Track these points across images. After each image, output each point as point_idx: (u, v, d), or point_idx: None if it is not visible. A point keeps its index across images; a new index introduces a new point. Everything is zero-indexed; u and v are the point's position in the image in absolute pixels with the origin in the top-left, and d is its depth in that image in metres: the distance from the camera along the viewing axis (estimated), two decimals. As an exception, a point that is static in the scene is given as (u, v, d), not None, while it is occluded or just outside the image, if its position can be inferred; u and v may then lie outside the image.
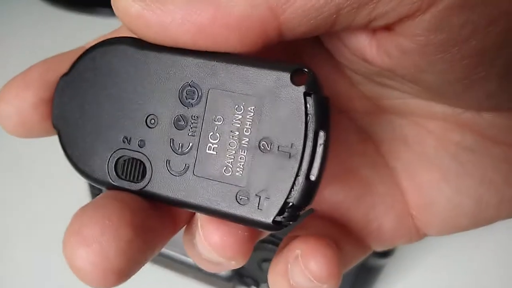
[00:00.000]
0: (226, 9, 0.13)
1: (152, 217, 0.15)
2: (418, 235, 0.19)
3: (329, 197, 0.18)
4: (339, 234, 0.18)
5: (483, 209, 0.18)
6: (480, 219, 0.18)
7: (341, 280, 0.16)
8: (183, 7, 0.13)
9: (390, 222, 0.18)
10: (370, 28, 0.13)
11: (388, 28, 0.13)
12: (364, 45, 0.14)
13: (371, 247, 0.19)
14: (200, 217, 0.15)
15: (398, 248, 0.35)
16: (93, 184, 0.15)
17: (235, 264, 0.15)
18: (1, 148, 0.45)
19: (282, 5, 0.13)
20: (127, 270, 0.13)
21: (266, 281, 0.35)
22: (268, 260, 0.32)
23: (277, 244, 0.30)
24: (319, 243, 0.16)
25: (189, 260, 0.35)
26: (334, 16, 0.13)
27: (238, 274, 0.35)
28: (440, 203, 0.18)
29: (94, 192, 0.34)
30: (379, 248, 0.19)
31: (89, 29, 0.55)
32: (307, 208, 0.14)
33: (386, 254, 0.31)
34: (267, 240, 0.31)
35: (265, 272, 0.34)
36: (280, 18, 0.13)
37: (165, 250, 0.35)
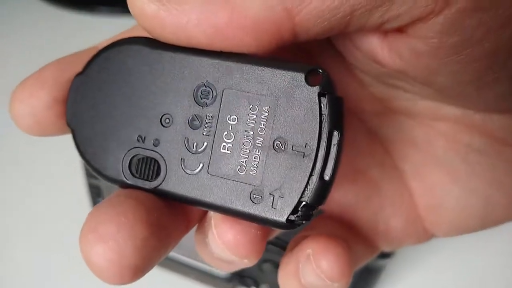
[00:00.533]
0: (241, 10, 0.13)
1: (166, 215, 0.15)
2: (426, 236, 0.19)
3: (338, 197, 0.18)
4: (348, 234, 0.18)
5: (492, 211, 0.18)
6: (488, 221, 0.18)
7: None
8: (199, 8, 0.13)
9: (398, 223, 0.18)
10: (383, 30, 0.14)
11: (400, 30, 0.13)
12: (376, 46, 0.14)
13: (379, 248, 0.19)
14: (213, 215, 0.15)
15: (399, 249, 0.35)
16: (107, 182, 0.16)
17: (248, 263, 0.16)
18: (1, 148, 0.45)
19: (297, 6, 0.13)
20: (142, 267, 0.13)
21: (266, 281, 0.35)
22: (268, 261, 0.32)
23: (278, 245, 0.30)
24: (331, 242, 0.16)
25: (189, 260, 0.35)
26: (348, 17, 0.13)
27: (238, 275, 0.35)
28: (449, 204, 0.18)
29: (93, 191, 0.34)
30: (387, 249, 0.19)
31: (89, 29, 0.55)
32: (320, 207, 0.14)
33: (387, 254, 0.31)
34: (267, 241, 0.31)
35: (265, 273, 0.34)
36: (295, 20, 0.13)
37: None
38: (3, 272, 0.38)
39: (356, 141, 0.18)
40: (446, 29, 0.13)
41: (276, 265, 0.33)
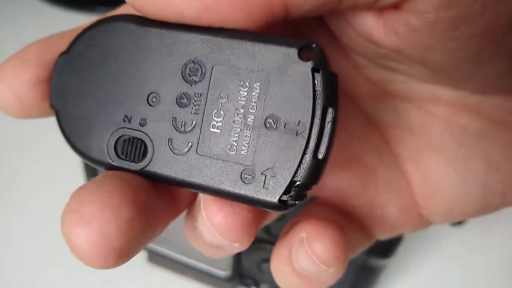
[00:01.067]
0: None
1: (153, 196, 0.14)
2: (422, 223, 0.19)
3: (332, 183, 0.18)
4: (343, 221, 0.17)
5: (490, 195, 0.17)
6: (486, 206, 0.18)
7: (341, 280, 0.16)
8: None
9: (394, 210, 0.18)
10: (377, 6, 0.13)
11: (395, 6, 0.13)
12: (371, 25, 0.14)
13: (375, 235, 0.19)
14: (203, 197, 0.15)
15: (399, 249, 0.35)
16: (92, 164, 0.15)
17: (238, 247, 0.15)
18: (1, 148, 0.45)
19: None
20: (127, 250, 0.13)
21: (266, 281, 0.35)
22: (268, 260, 0.32)
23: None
24: (326, 226, 0.15)
25: (189, 260, 0.35)
26: None
27: (238, 275, 0.35)
28: (446, 189, 0.18)
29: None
30: (383, 236, 0.19)
31: (89, 29, 0.55)
32: (312, 190, 0.14)
33: (387, 254, 0.31)
34: (267, 240, 0.31)
35: (265, 273, 0.34)
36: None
37: (165, 250, 0.35)
38: (3, 272, 0.38)
39: (351, 126, 0.18)
40: (443, 3, 0.12)
41: (276, 265, 0.32)
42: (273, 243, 0.30)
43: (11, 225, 0.40)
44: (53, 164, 0.43)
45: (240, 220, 0.14)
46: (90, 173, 0.33)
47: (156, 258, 0.36)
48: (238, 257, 0.34)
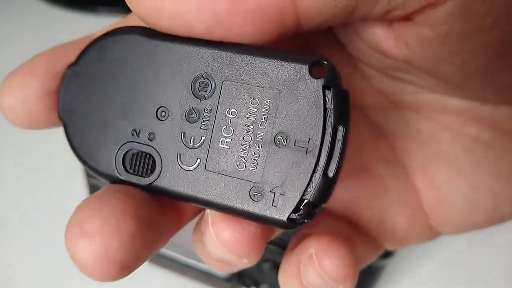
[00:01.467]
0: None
1: (156, 210, 0.14)
2: (432, 234, 0.18)
3: (342, 194, 0.18)
4: (352, 232, 0.17)
5: (499, 205, 0.17)
6: (495, 216, 0.18)
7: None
8: None
9: (404, 221, 0.18)
10: (388, 18, 0.13)
11: (407, 18, 0.13)
12: (381, 36, 0.14)
13: (383, 246, 0.19)
14: (210, 213, 0.15)
15: (399, 249, 0.35)
16: (100, 178, 0.15)
17: (247, 263, 0.15)
18: (1, 148, 0.45)
19: None
20: (130, 263, 0.13)
21: (266, 281, 0.35)
22: (268, 260, 0.32)
23: (278, 245, 0.30)
24: (334, 241, 0.15)
25: (189, 260, 0.35)
26: (353, 5, 0.12)
27: (238, 275, 0.35)
28: (456, 199, 0.18)
29: (93, 191, 0.34)
30: (392, 247, 0.19)
31: (89, 29, 0.55)
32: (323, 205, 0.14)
33: (387, 254, 0.31)
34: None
35: (265, 273, 0.34)
36: (298, 7, 0.12)
37: (165, 250, 0.35)
38: (3, 272, 0.38)
39: (360, 136, 0.18)
40: (455, 15, 0.12)
41: (276, 265, 0.32)
42: (273, 243, 0.31)
43: (10, 225, 0.40)
44: (53, 164, 0.43)
45: (248, 236, 0.14)
46: (90, 172, 0.32)
47: (156, 258, 0.36)
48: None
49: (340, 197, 0.18)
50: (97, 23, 0.56)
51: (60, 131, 0.16)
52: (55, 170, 0.43)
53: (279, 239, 0.30)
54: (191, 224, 0.17)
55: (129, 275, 0.14)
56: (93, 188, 0.34)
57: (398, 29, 0.13)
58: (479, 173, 0.17)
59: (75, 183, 0.38)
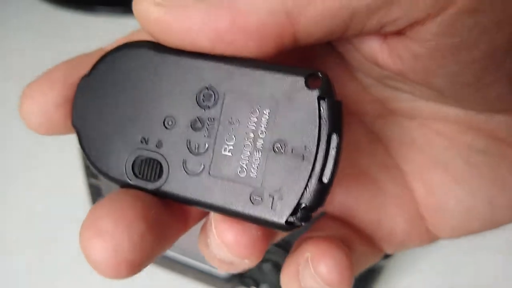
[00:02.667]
0: (244, 16, 0.13)
1: (164, 212, 0.15)
2: (429, 238, 0.19)
3: (341, 199, 0.18)
4: (352, 236, 0.18)
5: (496, 211, 0.18)
6: (492, 221, 0.18)
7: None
8: (203, 12, 0.13)
9: (402, 224, 0.18)
10: (382, 33, 0.14)
11: (399, 32, 0.14)
12: (376, 49, 0.15)
13: (383, 250, 0.19)
14: (213, 216, 0.15)
15: (399, 249, 0.35)
16: (111, 182, 0.16)
17: (249, 263, 0.16)
18: (1, 148, 0.45)
19: (299, 11, 0.13)
20: (139, 262, 0.14)
21: (266, 281, 0.35)
22: (268, 261, 0.32)
23: (278, 245, 0.30)
24: (330, 245, 0.16)
25: (189, 260, 0.35)
26: (348, 21, 0.13)
27: (238, 275, 0.35)
28: (452, 205, 0.18)
29: (93, 191, 0.34)
30: (391, 251, 0.19)
31: (89, 29, 0.55)
32: (320, 209, 0.14)
33: (386, 255, 0.31)
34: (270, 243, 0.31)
35: (265, 273, 0.34)
36: (296, 24, 0.13)
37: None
38: (3, 272, 0.38)
39: (358, 143, 0.18)
40: (442, 31, 0.13)
41: (276, 265, 0.33)
42: (274, 243, 0.31)
43: (9, 224, 0.40)
44: (53, 164, 0.43)
45: (250, 238, 0.15)
46: (90, 173, 0.33)
47: (156, 258, 0.36)
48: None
49: (340, 201, 0.18)
50: (97, 23, 0.57)
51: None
52: (55, 170, 0.43)
53: (280, 241, 0.30)
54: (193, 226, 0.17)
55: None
56: (93, 188, 0.34)
57: (392, 43, 0.14)
58: (475, 180, 0.18)
59: (75, 183, 0.38)
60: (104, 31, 0.54)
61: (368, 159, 0.19)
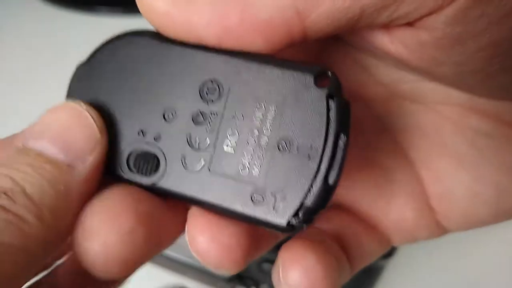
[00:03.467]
0: (253, 12, 0.13)
1: (159, 208, 0.14)
2: (438, 229, 0.18)
3: (348, 188, 0.18)
4: (359, 226, 0.17)
5: (503, 197, 0.17)
6: (500, 210, 0.18)
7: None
8: (209, 7, 0.13)
9: (410, 213, 0.18)
10: (391, 26, 0.14)
11: (407, 24, 0.13)
12: (382, 38, 0.14)
13: (390, 241, 0.19)
14: (190, 215, 0.15)
15: (399, 249, 0.35)
16: (104, 176, 0.15)
17: (225, 271, 0.15)
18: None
19: (309, 9, 0.13)
20: (131, 258, 0.13)
21: (266, 281, 0.35)
22: (268, 260, 0.32)
23: (278, 245, 0.30)
24: (302, 252, 0.15)
25: (189, 260, 0.35)
26: (357, 17, 0.13)
27: (238, 275, 0.35)
28: (459, 192, 0.18)
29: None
30: (399, 242, 0.19)
31: (89, 29, 0.55)
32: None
33: (387, 254, 0.31)
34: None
35: (265, 273, 0.34)
36: (305, 22, 0.13)
37: (165, 250, 0.35)
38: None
39: (365, 130, 0.18)
40: (451, 21, 0.13)
41: (276, 265, 0.32)
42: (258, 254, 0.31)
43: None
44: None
45: (220, 247, 0.14)
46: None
47: (156, 258, 0.36)
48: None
49: (348, 190, 0.18)
50: (97, 23, 0.57)
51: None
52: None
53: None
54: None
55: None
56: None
57: (399, 32, 0.14)
58: (481, 164, 0.17)
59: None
60: (104, 31, 0.54)
61: (375, 147, 0.18)
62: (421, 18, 0.13)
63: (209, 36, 0.13)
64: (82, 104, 0.14)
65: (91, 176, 0.14)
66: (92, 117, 0.14)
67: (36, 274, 0.14)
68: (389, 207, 0.18)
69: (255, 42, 0.13)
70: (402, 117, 0.18)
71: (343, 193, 0.18)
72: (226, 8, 0.13)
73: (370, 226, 0.18)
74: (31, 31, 0.52)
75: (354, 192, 0.18)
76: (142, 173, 0.15)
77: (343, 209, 0.18)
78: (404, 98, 0.18)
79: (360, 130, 0.18)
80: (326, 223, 0.17)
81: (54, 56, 0.47)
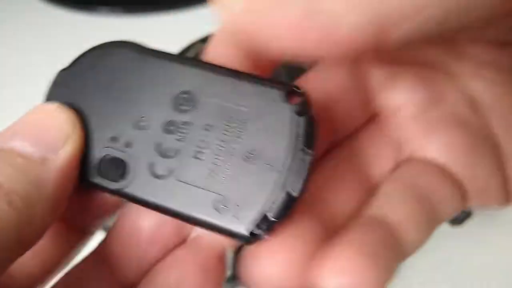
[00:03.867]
0: (333, 29, 0.12)
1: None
2: (508, 198, 0.18)
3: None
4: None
5: None
6: None
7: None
8: (296, 16, 0.13)
9: (485, 171, 0.18)
10: None
11: None
12: None
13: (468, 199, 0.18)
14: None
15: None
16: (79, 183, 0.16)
17: None
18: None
19: (390, 29, 0.12)
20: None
21: (266, 281, 0.35)
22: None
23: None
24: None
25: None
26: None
27: (239, 275, 0.35)
28: None
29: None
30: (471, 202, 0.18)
31: (89, 29, 0.55)
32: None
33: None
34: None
35: (265, 273, 0.34)
36: (384, 42, 0.13)
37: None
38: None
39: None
40: None
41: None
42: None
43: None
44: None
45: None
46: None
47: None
48: (238, 257, 0.34)
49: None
50: (97, 23, 0.57)
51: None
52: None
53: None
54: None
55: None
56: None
57: None
58: None
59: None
60: (104, 31, 0.54)
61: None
62: None
63: (286, 43, 0.13)
64: (55, 103, 0.15)
65: (66, 169, 0.14)
66: (64, 113, 0.15)
67: (12, 262, 0.14)
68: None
69: (330, 55, 0.13)
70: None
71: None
72: (309, 25, 0.12)
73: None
74: (31, 31, 0.52)
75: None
76: (109, 179, 0.15)
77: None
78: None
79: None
80: None
81: (54, 56, 0.47)
